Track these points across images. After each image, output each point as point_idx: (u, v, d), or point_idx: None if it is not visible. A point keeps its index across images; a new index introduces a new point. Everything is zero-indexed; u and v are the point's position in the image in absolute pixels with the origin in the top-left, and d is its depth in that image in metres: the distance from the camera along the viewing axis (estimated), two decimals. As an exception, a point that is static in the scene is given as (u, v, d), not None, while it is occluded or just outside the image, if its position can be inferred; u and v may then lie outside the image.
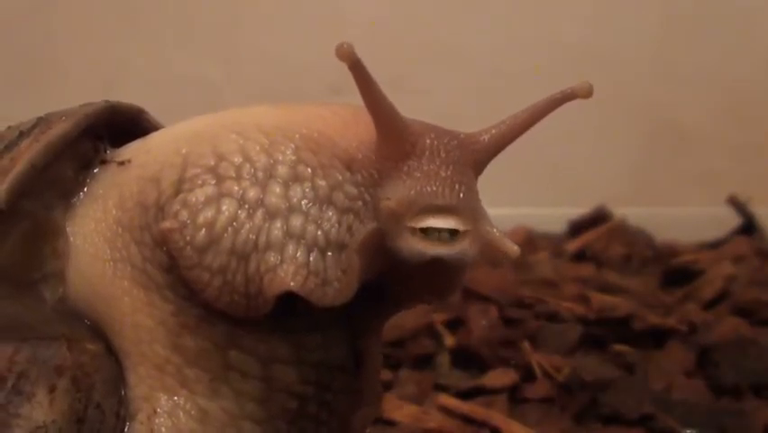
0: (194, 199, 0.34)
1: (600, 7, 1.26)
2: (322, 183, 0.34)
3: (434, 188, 0.33)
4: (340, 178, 0.34)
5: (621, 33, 1.26)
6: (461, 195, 0.33)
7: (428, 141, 0.34)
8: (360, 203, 0.34)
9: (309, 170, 0.34)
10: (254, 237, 0.33)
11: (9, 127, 0.37)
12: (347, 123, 0.35)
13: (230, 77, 1.20)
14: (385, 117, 0.33)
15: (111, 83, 1.21)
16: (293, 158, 0.34)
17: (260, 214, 0.33)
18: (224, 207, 0.33)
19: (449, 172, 0.33)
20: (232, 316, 0.34)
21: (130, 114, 0.39)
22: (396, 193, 0.33)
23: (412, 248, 0.33)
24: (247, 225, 0.33)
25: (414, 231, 0.33)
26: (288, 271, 0.33)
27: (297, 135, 0.35)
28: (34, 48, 1.25)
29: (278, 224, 0.33)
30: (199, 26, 1.26)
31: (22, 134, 0.36)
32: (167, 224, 0.34)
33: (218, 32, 1.25)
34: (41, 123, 0.36)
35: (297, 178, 0.34)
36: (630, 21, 1.27)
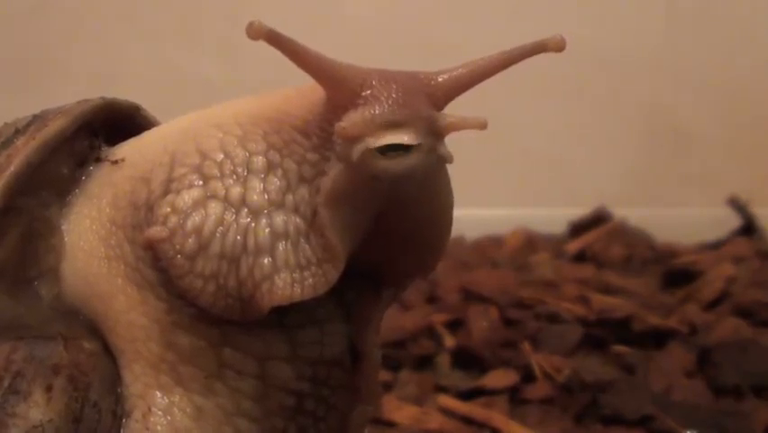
0: (181, 203, 0.34)
1: (601, 8, 1.26)
2: (291, 165, 0.34)
3: (386, 107, 0.32)
4: (301, 150, 0.34)
5: (622, 34, 1.26)
6: (414, 108, 0.32)
7: (376, 76, 0.33)
8: (322, 163, 0.34)
9: (278, 155, 0.34)
10: (242, 239, 0.33)
11: (5, 124, 0.37)
12: (304, 93, 0.35)
13: (230, 77, 1.20)
14: (322, 68, 0.33)
15: (110, 83, 1.21)
16: (264, 145, 0.34)
17: (244, 213, 0.33)
18: (210, 210, 0.33)
19: (400, 94, 0.32)
20: (230, 319, 0.34)
21: (126, 110, 0.39)
22: (348, 117, 0.32)
23: (372, 168, 0.32)
24: (234, 227, 0.33)
25: (371, 152, 0.32)
26: (285, 280, 0.33)
27: (264, 119, 0.35)
28: (34, 48, 1.25)
29: (263, 222, 0.33)
30: (199, 26, 1.26)
31: (18, 132, 0.36)
32: (155, 232, 0.33)
33: (218, 32, 1.25)
34: (37, 120, 0.36)
35: (270, 167, 0.34)
36: (631, 21, 1.27)
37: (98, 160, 0.37)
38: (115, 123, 0.39)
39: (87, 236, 0.36)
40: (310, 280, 0.33)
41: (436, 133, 0.32)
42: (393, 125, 0.32)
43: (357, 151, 0.32)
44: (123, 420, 0.35)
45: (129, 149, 0.37)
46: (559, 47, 0.34)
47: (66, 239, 0.36)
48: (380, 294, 0.38)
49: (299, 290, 0.33)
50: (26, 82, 1.23)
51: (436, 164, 0.33)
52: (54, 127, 0.36)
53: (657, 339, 0.76)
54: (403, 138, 0.32)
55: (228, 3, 1.24)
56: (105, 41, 1.26)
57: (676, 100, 1.27)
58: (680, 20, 1.27)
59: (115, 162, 0.37)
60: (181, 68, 1.23)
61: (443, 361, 0.75)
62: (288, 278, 0.33)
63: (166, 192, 0.34)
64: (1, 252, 0.35)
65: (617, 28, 1.26)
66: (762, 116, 1.26)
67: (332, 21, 1.22)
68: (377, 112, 0.32)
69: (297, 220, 0.33)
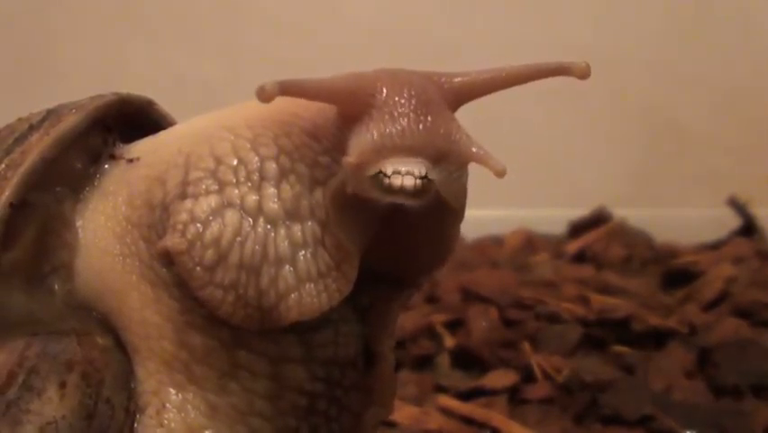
0: (199, 211, 0.33)
1: (601, 9, 1.26)
2: (303, 168, 0.34)
3: (397, 128, 0.31)
4: (312, 153, 0.34)
5: (622, 35, 1.26)
6: (429, 122, 0.31)
7: (387, 81, 0.32)
8: (336, 166, 0.34)
9: (289, 159, 0.34)
10: (260, 248, 0.33)
11: (19, 119, 0.37)
12: None
13: (230, 77, 1.20)
14: (331, 93, 0.32)
15: (111, 83, 1.21)
16: (275, 150, 0.34)
17: (261, 222, 0.33)
18: (228, 220, 0.33)
19: (413, 103, 0.32)
20: (248, 329, 0.34)
21: (139, 105, 0.39)
22: (358, 144, 0.32)
23: (379, 197, 0.32)
24: (252, 236, 0.33)
25: (377, 179, 0.31)
26: (311, 293, 0.33)
27: (273, 122, 0.35)
28: (34, 48, 1.25)
29: (282, 232, 0.33)
30: (199, 26, 1.26)
31: (33, 127, 0.36)
32: (175, 244, 0.33)
33: (218, 32, 1.25)
34: (51, 115, 0.36)
35: (283, 172, 0.34)
36: (631, 22, 1.27)
37: (113, 157, 0.37)
38: (129, 118, 0.39)
39: (102, 233, 0.36)
40: (333, 285, 0.33)
41: (452, 162, 0.32)
42: (404, 152, 0.31)
43: (363, 177, 0.31)
44: (137, 417, 0.35)
45: (144, 148, 0.37)
46: (583, 74, 0.33)
47: (80, 235, 0.36)
48: (395, 295, 0.38)
49: (326, 298, 0.33)
50: (26, 82, 1.23)
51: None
52: (68, 123, 0.36)
53: (657, 339, 0.76)
54: (412, 169, 0.31)
55: (228, 3, 1.24)
56: (105, 41, 1.26)
57: (676, 100, 1.27)
58: (679, 20, 1.28)
59: (131, 161, 0.37)
60: (181, 68, 1.23)
61: (443, 361, 0.75)
62: (314, 289, 0.33)
63: (182, 195, 0.34)
64: (18, 249, 0.35)
65: (616, 28, 1.26)
66: (762, 116, 1.26)
67: (332, 21, 1.22)
68: (386, 131, 0.31)
69: (314, 226, 0.33)
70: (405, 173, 0.31)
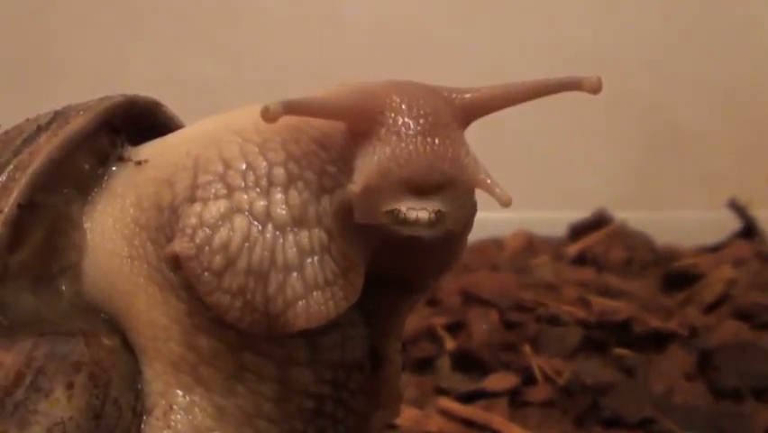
0: (208, 216, 0.33)
1: (601, 10, 1.26)
2: (311, 176, 0.34)
3: (404, 150, 0.31)
4: (320, 162, 0.34)
5: (622, 36, 1.26)
6: (437, 145, 0.31)
7: (397, 98, 0.32)
8: (342, 177, 0.34)
9: (297, 166, 0.34)
10: (269, 254, 0.33)
11: (27, 120, 0.37)
12: None
13: (230, 77, 1.20)
14: (338, 110, 0.32)
15: (111, 83, 1.21)
16: (283, 155, 0.34)
17: (269, 228, 0.33)
18: (236, 225, 0.33)
19: (421, 124, 0.31)
20: (256, 334, 0.34)
21: (147, 107, 0.39)
22: (363, 169, 0.32)
23: (388, 228, 0.32)
24: (260, 241, 0.33)
25: (392, 214, 0.31)
26: (319, 301, 0.33)
27: (283, 126, 0.34)
28: (34, 48, 1.25)
29: (290, 239, 0.33)
30: (199, 26, 1.26)
31: (41, 128, 0.36)
32: (184, 249, 0.33)
33: (218, 32, 1.25)
34: (59, 117, 0.37)
35: (291, 179, 0.34)
36: (631, 24, 1.27)
37: (121, 159, 0.38)
38: (136, 119, 0.39)
39: (111, 235, 0.36)
40: (340, 293, 0.33)
41: (458, 187, 0.32)
42: (410, 175, 0.31)
43: (373, 208, 0.32)
44: (144, 417, 0.35)
45: (152, 150, 0.37)
46: (594, 89, 0.33)
47: (88, 237, 0.37)
48: (402, 299, 0.38)
49: (333, 306, 0.33)
50: (27, 82, 1.23)
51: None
52: (76, 125, 0.36)
53: (657, 342, 0.76)
54: (423, 207, 0.31)
55: (228, 3, 1.24)
56: (105, 42, 1.26)
57: (676, 102, 1.27)
58: (679, 20, 1.28)
59: (139, 163, 0.37)
60: (181, 68, 1.23)
61: (444, 363, 0.75)
62: (321, 297, 0.33)
63: (191, 199, 0.34)
64: (26, 250, 0.35)
65: (616, 28, 1.26)
66: (762, 117, 1.26)
67: (332, 21, 1.22)
68: (393, 153, 0.31)
69: (321, 234, 0.33)
70: (419, 208, 0.31)
